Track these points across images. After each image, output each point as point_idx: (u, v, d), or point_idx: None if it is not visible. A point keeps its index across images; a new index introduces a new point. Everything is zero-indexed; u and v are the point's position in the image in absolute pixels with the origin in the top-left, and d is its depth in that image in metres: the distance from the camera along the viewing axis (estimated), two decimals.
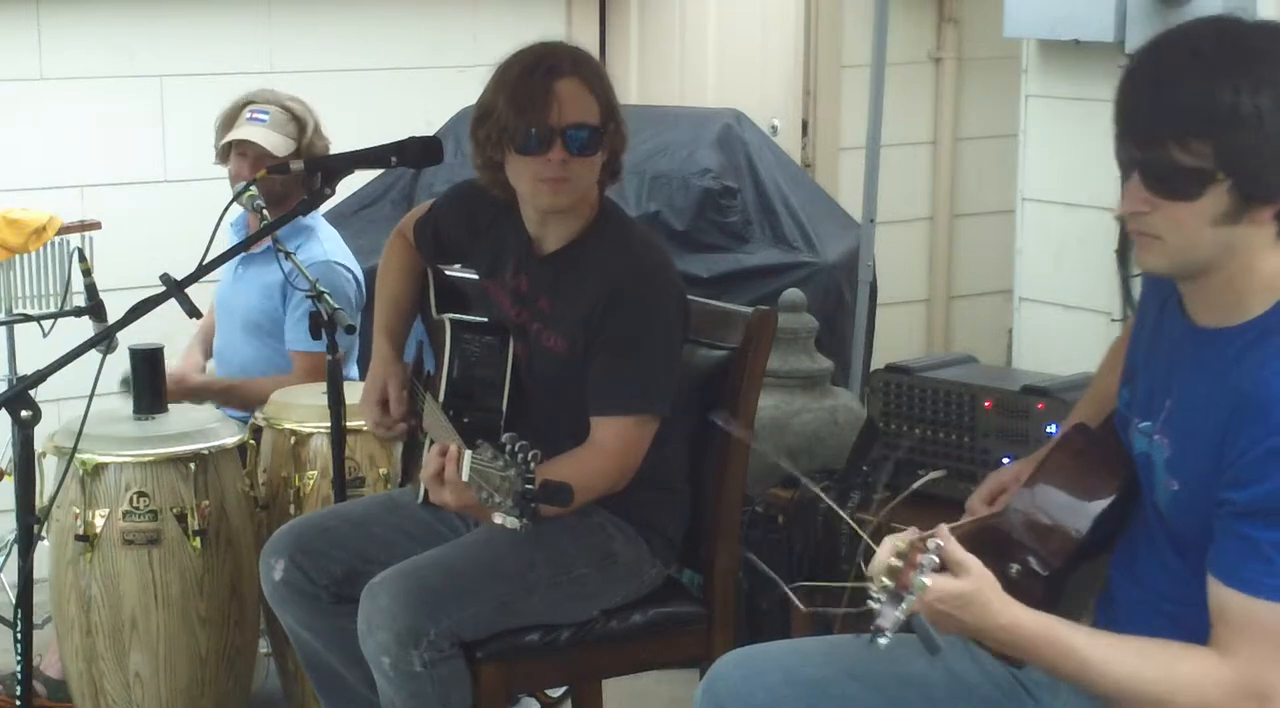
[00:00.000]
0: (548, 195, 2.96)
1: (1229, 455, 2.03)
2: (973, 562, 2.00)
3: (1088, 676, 2.05)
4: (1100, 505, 2.24)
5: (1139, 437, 2.20)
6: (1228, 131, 1.97)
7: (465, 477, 2.59)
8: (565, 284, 3.02)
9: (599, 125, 2.95)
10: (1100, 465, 2.27)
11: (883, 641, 1.90)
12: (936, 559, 1.94)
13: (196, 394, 4.12)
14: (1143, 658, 2.05)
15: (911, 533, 2.00)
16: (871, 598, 1.92)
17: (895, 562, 1.93)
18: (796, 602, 2.07)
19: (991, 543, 2.16)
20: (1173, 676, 2.03)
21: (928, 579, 1.93)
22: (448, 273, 3.36)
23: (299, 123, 4.14)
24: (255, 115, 4.14)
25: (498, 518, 2.51)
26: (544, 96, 2.90)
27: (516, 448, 2.49)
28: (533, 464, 2.48)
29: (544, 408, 3.05)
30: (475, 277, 3.26)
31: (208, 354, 4.38)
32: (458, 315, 3.14)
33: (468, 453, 2.59)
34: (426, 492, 3.05)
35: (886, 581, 1.93)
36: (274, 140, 4.10)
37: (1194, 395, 2.11)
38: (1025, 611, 2.04)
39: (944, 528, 2.03)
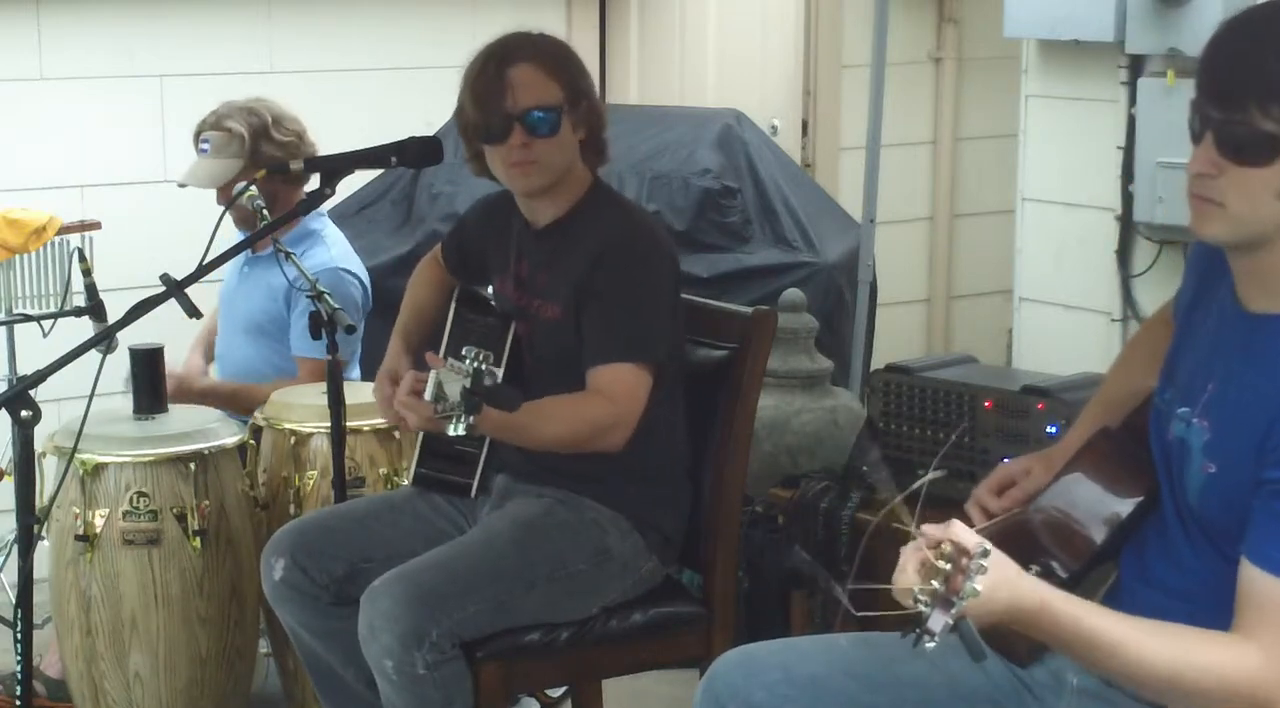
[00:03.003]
0: (519, 178, 3.05)
1: (1274, 439, 2.02)
2: (990, 546, 1.96)
3: (1116, 660, 2.01)
4: (1125, 511, 2.23)
5: (1177, 423, 2.18)
6: None
7: (428, 395, 2.72)
8: (559, 254, 3.08)
9: (558, 105, 3.01)
10: (1125, 471, 2.27)
11: (930, 644, 1.88)
12: (985, 565, 1.91)
13: (201, 398, 4.12)
14: (1169, 642, 2.01)
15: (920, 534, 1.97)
16: (918, 601, 1.90)
17: (943, 565, 1.90)
18: (848, 605, 2.04)
19: (1013, 542, 2.14)
20: (1201, 660, 2.00)
21: (979, 585, 1.89)
22: (475, 289, 3.39)
23: (239, 140, 4.07)
24: (201, 147, 4.11)
25: (450, 429, 2.63)
26: (497, 85, 3.00)
27: (475, 355, 2.62)
28: (485, 365, 2.62)
29: (545, 389, 3.05)
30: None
31: (209, 358, 4.37)
32: (465, 297, 3.23)
33: (433, 372, 2.71)
34: (416, 474, 3.20)
35: (936, 584, 1.90)
36: (216, 170, 4.07)
37: (1241, 380, 2.09)
38: (1052, 591, 2.01)
39: (956, 524, 1.99)
